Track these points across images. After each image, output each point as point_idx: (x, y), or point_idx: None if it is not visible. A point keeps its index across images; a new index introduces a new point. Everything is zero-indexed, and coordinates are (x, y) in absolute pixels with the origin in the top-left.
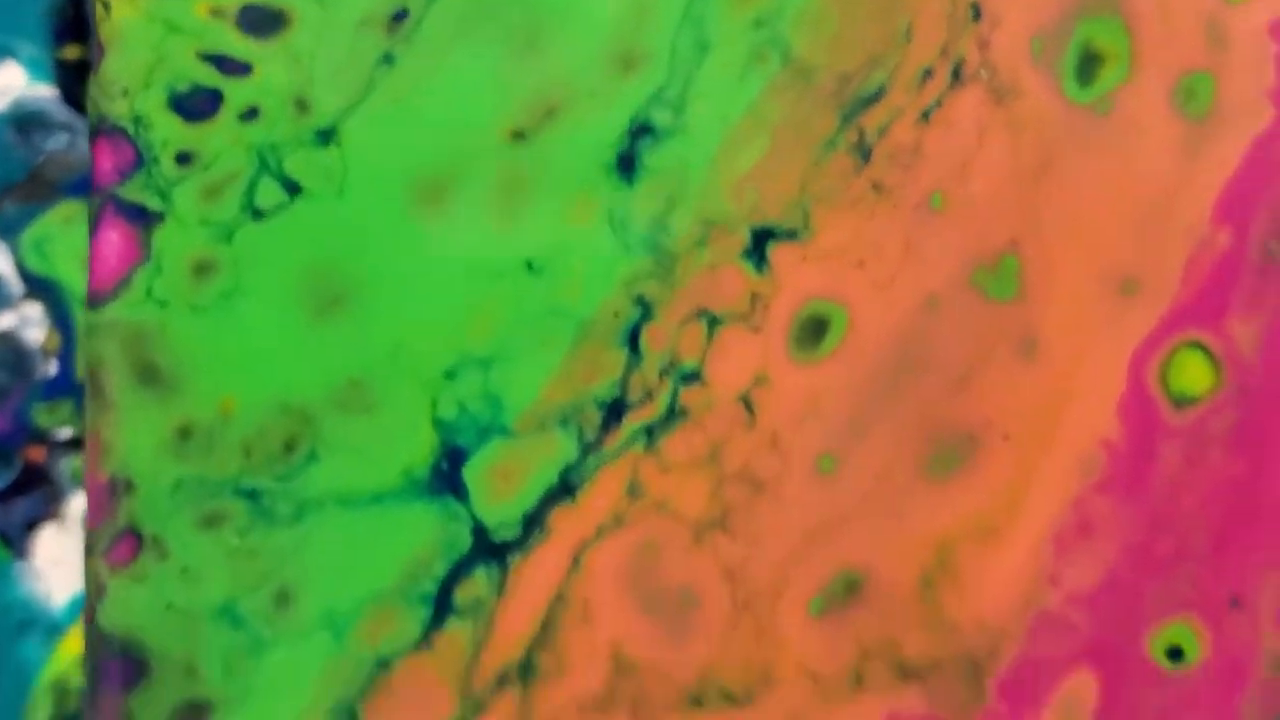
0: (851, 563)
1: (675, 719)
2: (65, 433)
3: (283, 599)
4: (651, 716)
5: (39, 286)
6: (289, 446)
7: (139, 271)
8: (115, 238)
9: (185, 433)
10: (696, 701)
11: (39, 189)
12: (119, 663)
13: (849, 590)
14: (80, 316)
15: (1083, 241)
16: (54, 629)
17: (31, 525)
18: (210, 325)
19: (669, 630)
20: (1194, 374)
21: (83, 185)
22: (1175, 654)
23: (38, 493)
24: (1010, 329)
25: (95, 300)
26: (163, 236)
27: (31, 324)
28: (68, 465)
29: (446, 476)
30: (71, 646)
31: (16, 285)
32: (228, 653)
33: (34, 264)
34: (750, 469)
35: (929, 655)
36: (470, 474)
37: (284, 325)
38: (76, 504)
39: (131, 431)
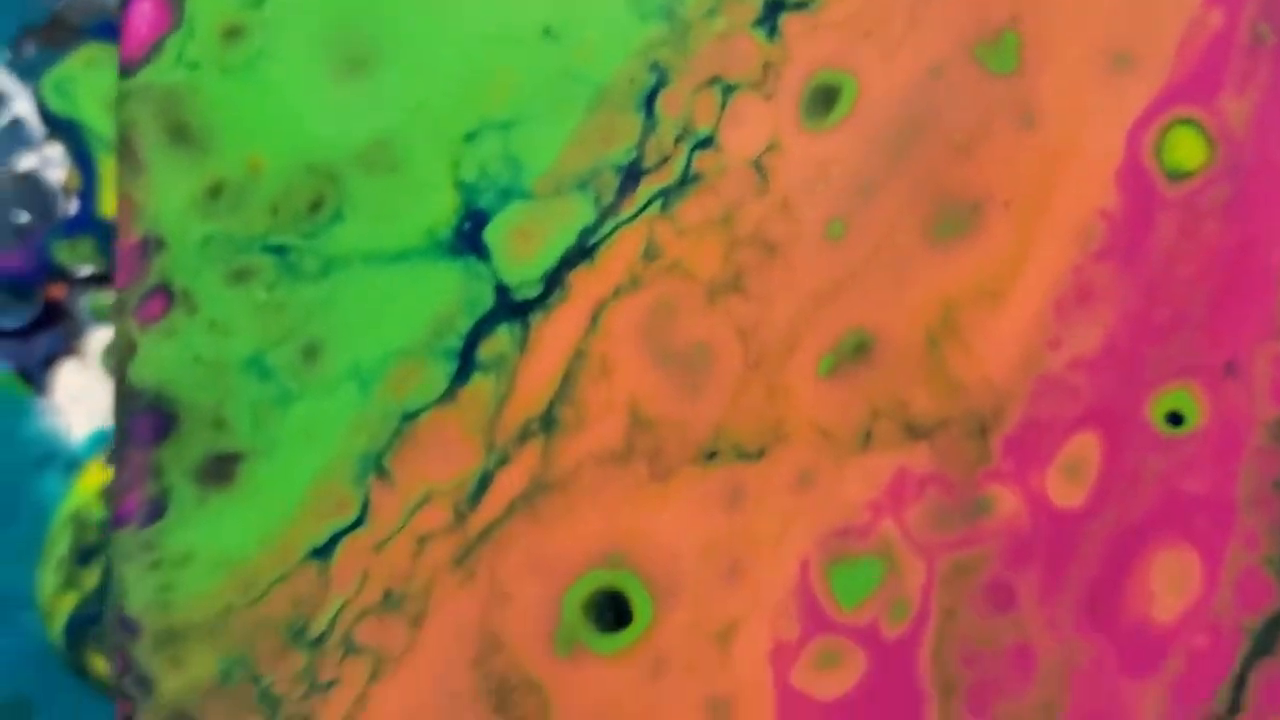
0: (860, 323)
1: (690, 472)
2: (86, 270)
3: (310, 352)
4: (667, 469)
5: (60, 127)
6: (315, 205)
7: (171, 38)
8: (147, 8)
9: (215, 191)
10: (710, 456)
11: (60, 32)
12: (148, 417)
13: (858, 350)
14: (101, 157)
15: (1079, 18)
16: (73, 464)
17: (51, 361)
18: (240, 86)
19: (684, 387)
20: (1188, 149)
21: (104, 28)
22: (1175, 419)
23: (58, 329)
24: (1010, 101)
25: (128, 68)
26: (194, 3)
27: (53, 164)
28: (88, 302)
29: (468, 237)
30: (90, 481)
31: (38, 127)
32: (256, 404)
33: (56, 105)
34: (762, 232)
35: (936, 414)
36: (491, 235)
37: (311, 86)
38: (96, 340)
39: (163, 191)
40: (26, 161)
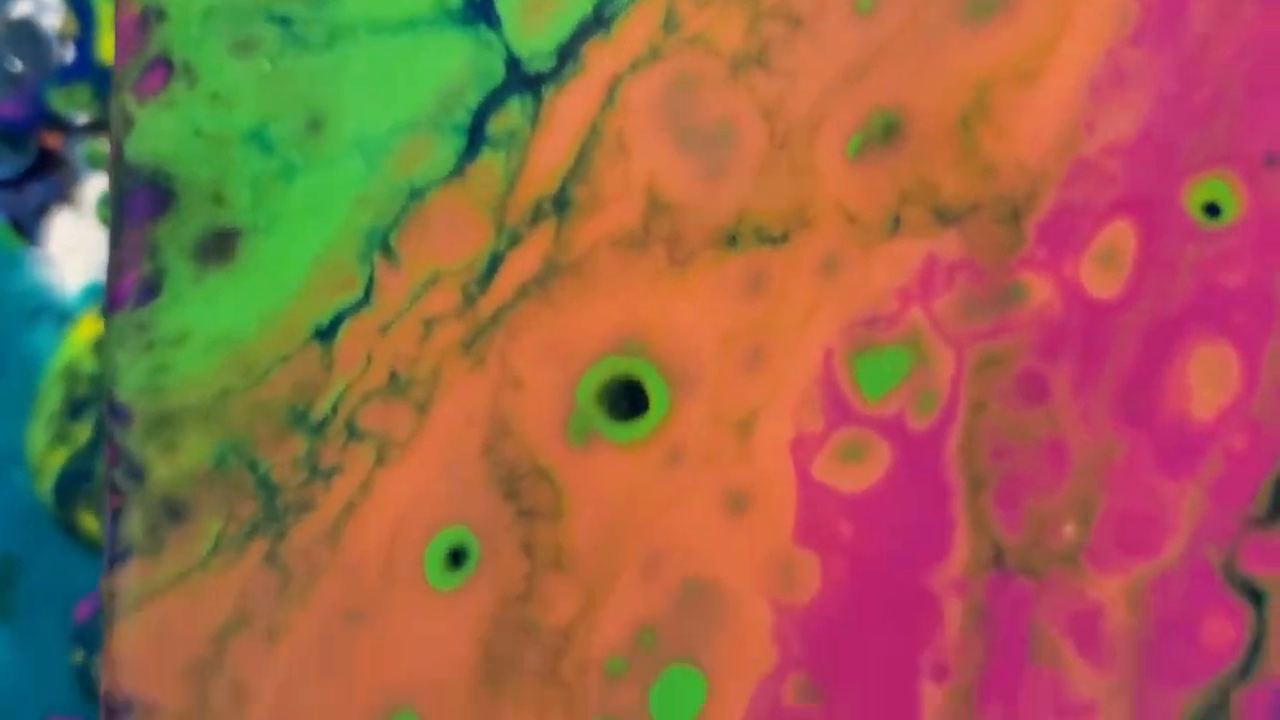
0: (889, 102)
1: (710, 256)
2: (82, 118)
3: (314, 125)
4: (687, 254)
5: None
6: None
7: None
8: None
9: None
10: (731, 240)
11: None
12: (145, 192)
13: (887, 131)
14: (99, 1)
15: None
16: (65, 316)
17: (45, 211)
18: None
19: (704, 167)
20: None
21: None
22: (1212, 210)
23: (53, 178)
24: None
25: None
26: None
27: (49, 10)
28: (84, 149)
29: (479, 5)
30: (83, 333)
31: None
32: (257, 178)
33: None
34: (788, 4)
35: (967, 198)
36: (503, 2)
37: None
38: (91, 189)
39: None
40: (21, 7)
